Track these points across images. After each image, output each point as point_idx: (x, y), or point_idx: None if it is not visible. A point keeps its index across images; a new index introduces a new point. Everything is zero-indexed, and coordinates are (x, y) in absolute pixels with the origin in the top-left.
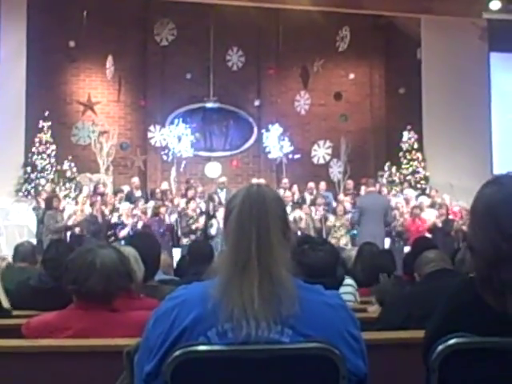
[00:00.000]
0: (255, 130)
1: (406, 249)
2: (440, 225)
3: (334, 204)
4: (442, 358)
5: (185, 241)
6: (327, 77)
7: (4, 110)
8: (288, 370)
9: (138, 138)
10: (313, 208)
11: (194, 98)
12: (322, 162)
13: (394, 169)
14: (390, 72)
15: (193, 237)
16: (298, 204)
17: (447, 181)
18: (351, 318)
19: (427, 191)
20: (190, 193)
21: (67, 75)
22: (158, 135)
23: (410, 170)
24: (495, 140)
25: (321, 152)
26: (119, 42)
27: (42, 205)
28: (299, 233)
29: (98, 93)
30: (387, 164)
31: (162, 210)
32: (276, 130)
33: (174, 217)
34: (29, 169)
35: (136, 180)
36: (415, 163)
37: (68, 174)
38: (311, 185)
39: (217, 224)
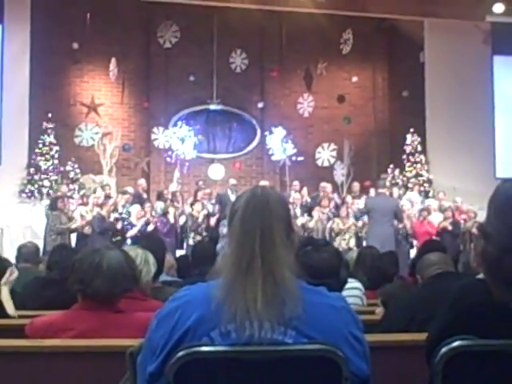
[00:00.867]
0: (258, 132)
1: (412, 251)
2: (449, 227)
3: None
4: (446, 360)
5: (190, 241)
6: (330, 79)
7: (8, 112)
8: (291, 371)
9: (141, 140)
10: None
11: (197, 100)
12: (326, 164)
13: (397, 171)
14: (393, 75)
15: (199, 237)
16: (310, 206)
17: (450, 184)
18: (354, 319)
19: (430, 194)
20: (200, 194)
21: (71, 77)
22: (161, 137)
23: (414, 172)
24: (498, 143)
25: (325, 154)
26: (123, 44)
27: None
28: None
29: (101, 94)
30: (390, 167)
31: (171, 210)
32: (279, 132)
33: (182, 218)
34: (32, 170)
35: (143, 182)
36: (418, 166)
37: (71, 175)
38: (323, 185)
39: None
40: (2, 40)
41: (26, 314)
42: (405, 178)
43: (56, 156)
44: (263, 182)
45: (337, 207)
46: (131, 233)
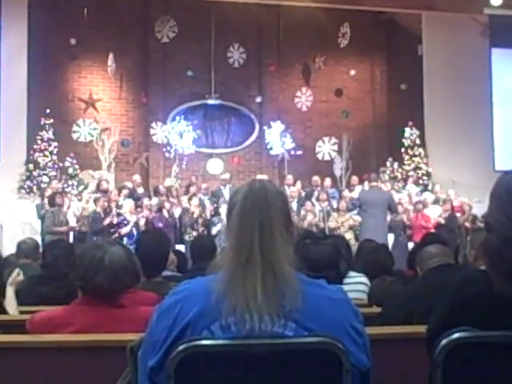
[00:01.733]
0: (257, 126)
1: (410, 244)
2: (444, 221)
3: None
4: (446, 352)
5: (187, 237)
6: (328, 73)
7: (6, 108)
8: (291, 364)
9: (139, 135)
10: (316, 203)
11: (195, 94)
12: (327, 158)
13: (395, 165)
14: (391, 68)
15: (195, 233)
16: (305, 199)
17: (449, 177)
18: (354, 312)
19: (429, 187)
20: (192, 189)
21: (69, 72)
22: (159, 132)
23: (412, 166)
24: (497, 136)
25: (326, 148)
26: (120, 40)
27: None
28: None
29: (99, 90)
30: (389, 160)
31: (166, 205)
32: (278, 126)
33: (177, 212)
34: (31, 166)
35: (137, 177)
36: (417, 159)
37: (70, 171)
38: (315, 178)
39: (221, 221)
40: (0, 36)
41: (26, 310)
42: (403, 172)
43: (54, 152)
44: (260, 176)
45: (331, 202)
46: (125, 230)
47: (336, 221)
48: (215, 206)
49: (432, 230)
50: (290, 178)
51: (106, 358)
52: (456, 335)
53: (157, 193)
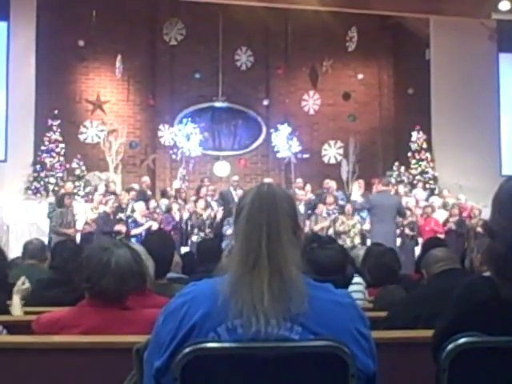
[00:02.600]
0: (264, 129)
1: (417, 248)
2: (453, 226)
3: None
4: (452, 357)
5: (194, 238)
6: (336, 77)
7: (14, 109)
8: (297, 368)
9: (146, 137)
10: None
11: (202, 97)
12: (333, 161)
13: (402, 169)
14: (398, 72)
15: (202, 234)
16: (314, 204)
17: (456, 181)
18: (361, 316)
19: (436, 191)
20: (203, 191)
21: (76, 74)
22: (166, 134)
23: (419, 170)
24: (504, 140)
25: (332, 152)
26: (128, 42)
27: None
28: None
29: (106, 92)
30: (396, 164)
31: (174, 207)
32: (284, 129)
33: (185, 214)
34: (38, 167)
35: (147, 179)
36: (424, 163)
37: (77, 172)
38: (327, 181)
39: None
40: (8, 37)
41: (33, 311)
42: (410, 176)
43: (62, 153)
44: (267, 180)
45: (339, 204)
46: (136, 231)
47: (345, 224)
48: (222, 208)
49: (439, 235)
50: (299, 182)
51: (111, 359)
52: (462, 340)
53: (164, 195)
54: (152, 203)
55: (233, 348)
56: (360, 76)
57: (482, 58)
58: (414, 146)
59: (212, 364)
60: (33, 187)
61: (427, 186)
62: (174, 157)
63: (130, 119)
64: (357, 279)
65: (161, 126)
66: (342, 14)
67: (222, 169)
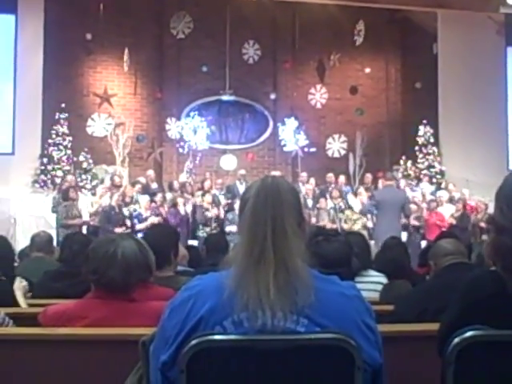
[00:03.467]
0: (271, 123)
1: (423, 242)
2: (456, 221)
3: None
4: (458, 350)
5: (200, 232)
6: (343, 71)
7: (21, 102)
8: (303, 360)
9: (153, 131)
10: (329, 201)
11: (209, 90)
12: (336, 155)
13: (409, 163)
14: (406, 66)
15: (208, 229)
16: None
17: (463, 175)
18: (367, 308)
19: (443, 185)
20: (207, 184)
21: (84, 67)
22: (173, 128)
23: (426, 164)
24: (511, 135)
25: (336, 145)
26: (136, 35)
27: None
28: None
29: (114, 85)
30: (403, 158)
31: (180, 201)
32: (292, 123)
33: (189, 207)
34: (45, 160)
35: (151, 173)
36: (431, 157)
37: (84, 165)
38: (330, 175)
39: (235, 217)
40: (16, 31)
41: (39, 303)
42: (417, 170)
43: (69, 146)
44: (274, 173)
45: (345, 199)
46: (141, 226)
47: (349, 219)
48: (229, 201)
49: (444, 229)
50: (304, 176)
51: (118, 351)
52: (469, 334)
53: (171, 188)
54: (158, 197)
55: (239, 340)
56: (367, 70)
57: (489, 51)
58: (421, 141)
59: (218, 356)
60: (40, 180)
61: (434, 180)
62: (180, 150)
63: (137, 112)
64: (380, 279)
65: (168, 120)
66: (349, 7)
67: (228, 162)
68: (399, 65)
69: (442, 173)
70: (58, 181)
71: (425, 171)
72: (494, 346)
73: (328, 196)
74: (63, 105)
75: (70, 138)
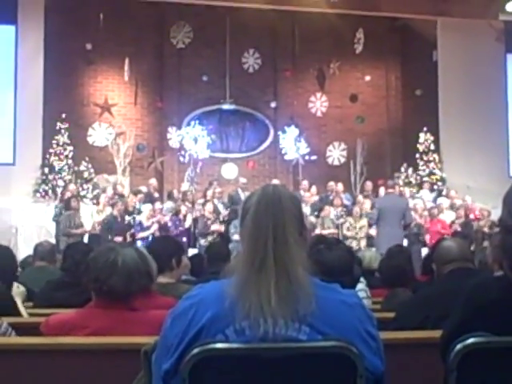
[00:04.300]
0: (271, 131)
1: (424, 250)
2: (459, 228)
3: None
4: (461, 357)
5: (202, 241)
6: (343, 79)
7: (22, 112)
8: (305, 368)
9: (154, 140)
10: (331, 209)
11: (210, 99)
12: (336, 163)
13: (410, 170)
14: (406, 74)
15: (210, 238)
16: (319, 206)
17: (464, 182)
18: (368, 316)
19: (444, 192)
20: (209, 193)
21: (84, 77)
22: (174, 137)
23: (427, 171)
24: None
25: (336, 153)
26: (136, 45)
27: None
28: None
29: (114, 95)
30: (404, 165)
31: (182, 209)
32: (292, 131)
33: (189, 217)
34: (46, 170)
35: (154, 181)
36: (432, 165)
37: (85, 175)
38: (331, 183)
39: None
40: (16, 41)
41: (41, 312)
42: (418, 177)
43: (70, 156)
44: (275, 181)
45: (346, 206)
46: (142, 234)
47: (353, 227)
48: (229, 210)
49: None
50: (305, 184)
51: (120, 360)
52: (471, 340)
53: (171, 197)
54: (157, 205)
55: (241, 349)
56: (367, 78)
57: (489, 59)
58: (421, 148)
59: (220, 365)
60: (41, 190)
61: (435, 187)
62: (181, 159)
63: (137, 122)
64: (360, 285)
65: (169, 129)
66: (349, 15)
67: (229, 171)
68: (399, 72)
69: (443, 180)
70: (59, 190)
71: (426, 178)
72: (496, 352)
73: (330, 204)
74: (64, 115)
75: (71, 148)
